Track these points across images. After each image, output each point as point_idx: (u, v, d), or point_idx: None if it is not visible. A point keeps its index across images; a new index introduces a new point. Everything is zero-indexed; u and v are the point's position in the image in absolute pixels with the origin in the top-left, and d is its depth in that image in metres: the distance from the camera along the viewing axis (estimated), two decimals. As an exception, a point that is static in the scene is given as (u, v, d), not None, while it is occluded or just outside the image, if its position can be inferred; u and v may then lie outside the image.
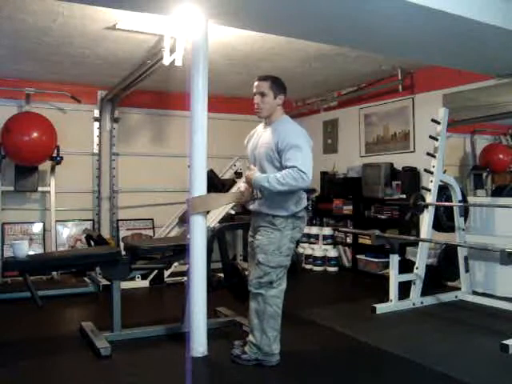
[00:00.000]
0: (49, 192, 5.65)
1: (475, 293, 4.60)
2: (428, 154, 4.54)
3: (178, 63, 3.96)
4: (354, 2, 2.92)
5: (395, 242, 4.33)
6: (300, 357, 3.10)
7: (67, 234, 5.89)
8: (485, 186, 5.34)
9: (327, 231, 6.37)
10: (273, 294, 2.91)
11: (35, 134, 5.26)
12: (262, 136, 3.03)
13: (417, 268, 4.36)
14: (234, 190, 5.45)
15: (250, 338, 2.95)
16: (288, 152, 2.80)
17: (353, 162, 6.34)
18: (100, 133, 6.08)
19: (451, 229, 4.61)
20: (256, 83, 3.01)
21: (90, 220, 6.04)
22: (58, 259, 3.59)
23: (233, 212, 5.38)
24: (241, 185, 3.26)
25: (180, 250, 3.47)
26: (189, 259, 3.07)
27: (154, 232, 6.20)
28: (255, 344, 2.92)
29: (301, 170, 2.74)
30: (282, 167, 2.83)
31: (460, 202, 4.59)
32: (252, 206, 3.02)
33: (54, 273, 5.37)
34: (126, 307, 3.52)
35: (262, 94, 2.96)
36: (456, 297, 4.55)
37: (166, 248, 3.64)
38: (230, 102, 6.53)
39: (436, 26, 3.28)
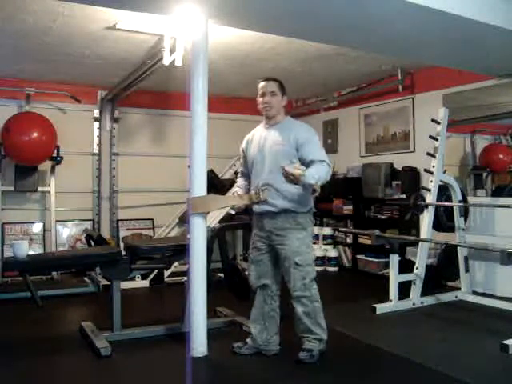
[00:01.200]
0: (49, 192, 5.65)
1: (475, 293, 4.60)
2: (428, 153, 4.54)
3: (178, 63, 3.96)
4: (354, 2, 2.92)
5: (395, 242, 4.33)
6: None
7: (67, 234, 5.89)
8: (485, 186, 5.34)
9: (327, 231, 6.37)
10: (314, 290, 2.99)
11: (35, 134, 5.26)
12: (268, 136, 3.06)
13: (417, 268, 4.36)
14: (230, 194, 5.44)
15: (310, 336, 2.97)
16: (308, 146, 2.94)
17: (353, 162, 6.34)
18: (100, 133, 6.07)
19: (451, 229, 4.60)
20: (263, 83, 3.09)
21: (90, 220, 6.05)
22: (58, 259, 3.59)
23: (233, 212, 5.38)
24: (236, 189, 3.25)
25: (180, 250, 3.46)
26: (189, 259, 3.07)
27: (153, 232, 6.20)
28: (319, 339, 2.98)
29: (328, 164, 2.94)
30: (300, 161, 2.91)
31: (460, 202, 4.58)
32: (268, 207, 2.98)
33: (54, 273, 5.37)
34: (126, 307, 3.52)
35: (273, 94, 3.04)
36: (456, 297, 4.55)
37: (166, 248, 3.64)
38: (230, 101, 6.53)
39: (436, 26, 3.28)
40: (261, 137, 3.11)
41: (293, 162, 2.89)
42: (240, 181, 3.34)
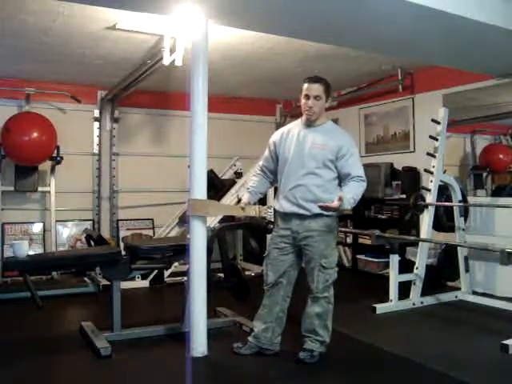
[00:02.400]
0: (49, 192, 5.65)
1: (475, 293, 4.60)
2: (428, 153, 4.54)
3: (178, 63, 3.96)
4: (354, 2, 2.92)
5: (395, 242, 4.33)
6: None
7: (67, 234, 5.89)
8: (485, 186, 5.35)
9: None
10: (332, 291, 3.00)
11: (35, 134, 5.26)
12: (308, 136, 2.99)
13: (417, 268, 4.36)
14: (231, 193, 5.43)
15: (314, 337, 2.98)
16: (349, 159, 2.93)
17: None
18: (100, 133, 6.07)
19: (451, 229, 4.61)
20: (307, 85, 2.97)
21: (90, 220, 6.04)
22: (57, 259, 3.59)
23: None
24: (244, 200, 3.16)
25: (180, 250, 3.46)
26: (189, 259, 3.07)
27: (153, 232, 6.20)
28: (321, 341, 2.99)
29: (363, 180, 2.94)
30: (336, 169, 2.94)
31: (460, 202, 4.58)
32: (300, 210, 2.94)
33: (54, 273, 5.37)
34: (126, 307, 3.52)
35: (317, 98, 2.95)
36: (456, 297, 4.55)
37: (166, 248, 3.64)
38: (230, 101, 6.53)
39: (436, 26, 3.28)
40: (299, 135, 3.02)
41: (328, 167, 2.92)
42: (255, 181, 3.22)
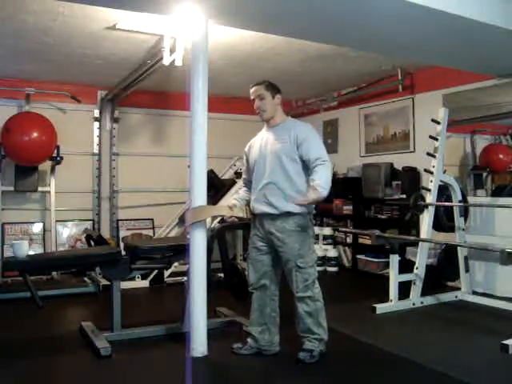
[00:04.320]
0: (49, 192, 5.66)
1: (475, 293, 4.60)
2: (428, 154, 4.54)
3: (178, 63, 3.96)
4: (355, 2, 2.92)
5: (395, 242, 4.33)
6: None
7: (67, 234, 5.89)
8: (485, 186, 5.34)
9: (327, 231, 6.37)
10: (317, 289, 3.02)
11: (35, 134, 5.27)
12: (269, 137, 3.09)
13: (417, 268, 4.36)
14: (231, 193, 5.44)
15: (311, 336, 2.98)
16: (308, 144, 2.96)
17: (353, 162, 6.34)
18: (100, 133, 6.08)
19: (451, 229, 4.61)
20: (252, 89, 3.13)
21: (90, 220, 6.05)
22: (58, 259, 3.59)
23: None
24: (232, 202, 3.23)
25: (180, 250, 3.47)
26: (189, 259, 3.07)
27: (153, 232, 6.20)
28: (319, 339, 2.99)
29: (326, 160, 2.94)
30: (300, 159, 2.95)
31: (460, 202, 4.58)
32: (269, 210, 2.98)
33: (54, 273, 5.37)
34: (126, 307, 3.52)
35: (261, 97, 3.07)
36: (456, 297, 4.55)
37: (166, 248, 3.64)
38: (230, 101, 6.53)
39: (436, 26, 3.28)
40: (262, 139, 3.13)
41: (293, 159, 2.94)
42: (241, 192, 3.31)
